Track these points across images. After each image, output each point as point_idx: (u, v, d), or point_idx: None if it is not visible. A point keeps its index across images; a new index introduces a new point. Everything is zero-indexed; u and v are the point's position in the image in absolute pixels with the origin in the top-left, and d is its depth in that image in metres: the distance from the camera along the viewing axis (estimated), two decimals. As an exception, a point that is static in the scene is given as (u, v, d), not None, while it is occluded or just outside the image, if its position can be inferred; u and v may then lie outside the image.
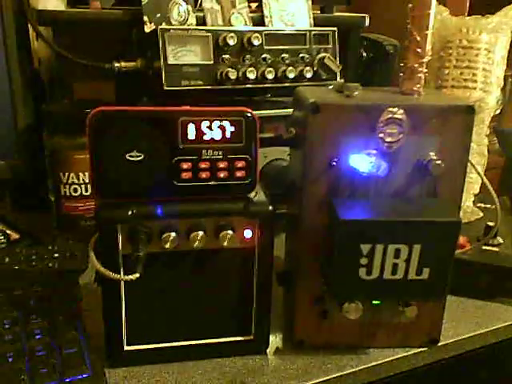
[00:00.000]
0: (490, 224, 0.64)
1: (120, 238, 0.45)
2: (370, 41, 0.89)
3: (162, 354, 0.50)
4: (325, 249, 0.49)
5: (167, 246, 0.46)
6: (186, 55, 0.66)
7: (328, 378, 0.50)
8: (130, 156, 0.44)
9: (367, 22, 0.85)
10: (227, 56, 0.67)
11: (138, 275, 0.43)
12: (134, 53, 0.73)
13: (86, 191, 0.67)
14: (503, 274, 0.61)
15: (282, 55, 0.70)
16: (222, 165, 0.47)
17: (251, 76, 0.68)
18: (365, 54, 0.88)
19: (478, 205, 0.75)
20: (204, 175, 0.46)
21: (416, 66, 0.50)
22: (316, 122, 0.46)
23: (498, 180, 0.98)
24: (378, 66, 0.87)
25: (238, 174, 0.47)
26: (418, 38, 0.49)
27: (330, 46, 0.73)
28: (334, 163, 0.47)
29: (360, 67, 0.87)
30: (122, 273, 0.46)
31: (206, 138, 0.46)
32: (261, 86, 0.70)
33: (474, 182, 0.73)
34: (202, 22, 0.71)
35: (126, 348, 0.49)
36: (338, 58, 0.74)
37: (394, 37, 0.90)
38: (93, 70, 0.74)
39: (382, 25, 0.91)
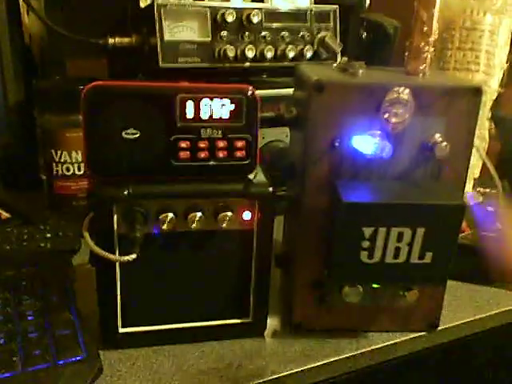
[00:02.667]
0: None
1: (115, 218, 0.44)
2: (370, 21, 0.88)
3: (158, 337, 0.49)
4: (326, 231, 0.48)
5: (164, 226, 0.45)
6: (183, 31, 0.64)
7: (327, 361, 0.49)
8: (126, 133, 0.42)
9: (368, 2, 0.83)
10: (225, 33, 0.65)
11: (134, 256, 0.42)
12: (128, 28, 0.71)
13: (79, 170, 0.65)
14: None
15: (282, 33, 0.68)
16: (221, 144, 0.45)
17: (250, 54, 0.66)
18: (365, 35, 0.87)
19: (478, 189, 0.74)
20: (203, 155, 0.45)
21: (422, 45, 0.48)
22: (319, 101, 0.45)
23: (494, 165, 0.97)
24: (377, 47, 0.86)
25: (238, 154, 0.46)
26: (425, 17, 0.48)
27: (331, 24, 0.72)
28: (337, 144, 0.46)
29: (359, 48, 0.86)
30: (117, 253, 0.45)
31: (205, 116, 0.44)
32: (260, 64, 0.68)
33: (474, 165, 0.72)
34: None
35: (121, 330, 0.48)
36: (338, 38, 0.72)
37: (395, 17, 0.88)
38: (85, 47, 0.72)
39: (383, 5, 0.90)
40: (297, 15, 0.70)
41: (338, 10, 0.73)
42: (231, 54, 0.65)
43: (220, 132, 0.45)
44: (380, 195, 0.45)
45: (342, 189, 0.45)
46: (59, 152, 0.64)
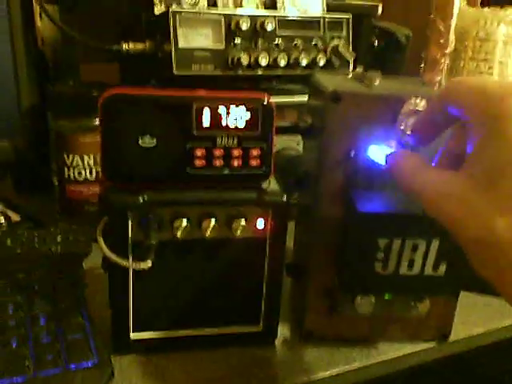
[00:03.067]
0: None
1: (130, 224, 0.44)
2: (382, 29, 0.88)
3: (169, 343, 0.49)
4: (339, 241, 0.48)
5: (178, 234, 0.45)
6: (197, 39, 0.64)
7: (337, 371, 0.49)
8: (143, 141, 0.43)
9: (380, 10, 0.83)
10: (239, 40, 0.65)
11: (150, 264, 0.42)
12: (141, 35, 0.71)
13: (91, 175, 0.65)
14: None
15: (295, 41, 0.69)
16: (236, 153, 0.45)
17: (263, 62, 0.66)
18: (376, 43, 0.87)
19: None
20: (218, 163, 0.45)
21: (438, 56, 0.48)
22: (336, 111, 0.45)
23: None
24: (389, 55, 0.86)
25: (253, 162, 0.46)
26: (442, 28, 0.48)
27: (344, 33, 0.72)
28: (352, 154, 0.46)
29: (371, 56, 0.86)
30: (130, 260, 0.45)
31: (221, 124, 0.44)
32: (272, 72, 0.68)
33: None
34: (212, 3, 0.69)
35: (133, 336, 0.48)
36: (351, 46, 0.72)
37: (406, 26, 0.88)
38: (98, 51, 0.72)
39: (394, 13, 0.90)
40: (310, 23, 0.70)
41: (350, 19, 0.73)
42: (245, 61, 0.65)
43: (235, 140, 0.45)
44: (395, 206, 0.45)
45: (357, 199, 0.45)
46: (71, 156, 0.64)
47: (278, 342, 0.52)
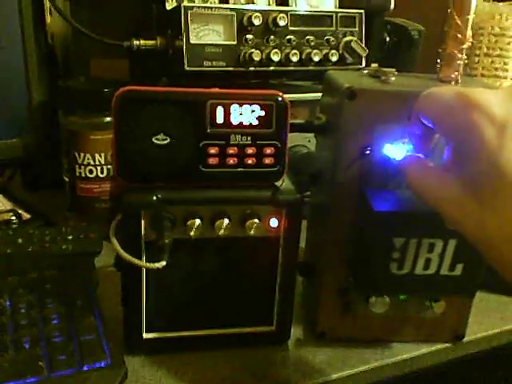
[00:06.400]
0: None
1: (143, 223, 0.44)
2: (394, 25, 0.86)
3: (181, 343, 0.49)
4: (353, 241, 0.47)
5: (192, 233, 0.44)
6: (209, 35, 0.64)
7: (352, 372, 0.48)
8: (157, 139, 0.42)
9: (392, 5, 0.82)
10: (251, 36, 0.65)
11: (164, 263, 0.41)
12: (152, 31, 0.71)
13: (102, 173, 0.65)
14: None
15: (307, 37, 0.68)
16: (250, 151, 0.45)
17: (275, 58, 0.65)
18: (388, 39, 0.86)
19: None
20: (231, 161, 0.44)
21: (455, 52, 0.47)
22: (351, 108, 0.44)
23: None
24: (401, 51, 0.85)
25: (267, 160, 0.45)
26: (459, 23, 0.47)
27: (357, 29, 0.71)
28: (368, 152, 0.45)
29: (383, 52, 0.85)
30: (144, 259, 0.44)
31: (234, 122, 0.44)
32: (284, 68, 0.67)
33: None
34: (223, -2, 0.68)
35: (145, 336, 0.48)
36: (363, 42, 0.71)
37: (419, 22, 0.87)
38: (108, 47, 0.72)
39: (406, 9, 0.88)
40: (322, 19, 0.69)
41: (363, 15, 0.72)
42: (257, 57, 0.64)
43: (249, 138, 0.44)
44: (412, 205, 0.44)
45: (373, 197, 0.44)
46: (82, 154, 0.64)
47: (290, 342, 0.51)
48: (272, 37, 0.66)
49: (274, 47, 0.66)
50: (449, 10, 0.47)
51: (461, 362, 0.55)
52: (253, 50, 0.64)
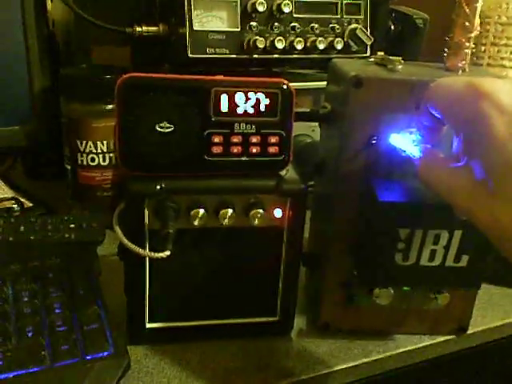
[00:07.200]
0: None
1: (147, 212, 0.43)
2: (399, 13, 0.85)
3: (185, 333, 0.49)
4: (357, 231, 0.47)
5: (196, 222, 0.44)
6: (212, 21, 0.63)
7: (355, 363, 0.48)
8: (160, 127, 0.42)
9: (397, -7, 0.81)
10: (255, 23, 0.64)
11: (168, 253, 0.41)
12: (154, 17, 0.70)
13: (104, 161, 0.64)
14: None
15: (312, 24, 0.67)
16: (254, 139, 0.44)
17: (279, 45, 0.64)
18: (393, 27, 0.85)
19: None
20: (236, 150, 0.44)
21: (463, 40, 0.46)
22: (357, 97, 0.43)
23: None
24: (406, 39, 0.84)
25: (271, 149, 0.45)
26: (467, 11, 0.46)
27: (362, 16, 0.70)
28: (374, 142, 0.44)
29: (387, 40, 0.83)
30: (147, 249, 0.44)
31: (239, 110, 0.43)
32: (288, 56, 0.66)
33: None
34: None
35: (148, 325, 0.48)
36: (368, 30, 0.70)
37: (424, 10, 0.86)
38: (110, 34, 0.71)
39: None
40: (327, 6, 0.68)
41: (368, 2, 0.71)
42: (261, 45, 0.63)
43: (254, 127, 0.44)
44: (417, 195, 0.43)
45: (378, 188, 0.44)
46: (84, 142, 0.63)
47: (293, 333, 0.51)
48: (276, 24, 0.65)
49: (278, 34, 0.65)
50: (457, -2, 0.46)
51: (464, 354, 0.54)
52: (257, 37, 0.63)
